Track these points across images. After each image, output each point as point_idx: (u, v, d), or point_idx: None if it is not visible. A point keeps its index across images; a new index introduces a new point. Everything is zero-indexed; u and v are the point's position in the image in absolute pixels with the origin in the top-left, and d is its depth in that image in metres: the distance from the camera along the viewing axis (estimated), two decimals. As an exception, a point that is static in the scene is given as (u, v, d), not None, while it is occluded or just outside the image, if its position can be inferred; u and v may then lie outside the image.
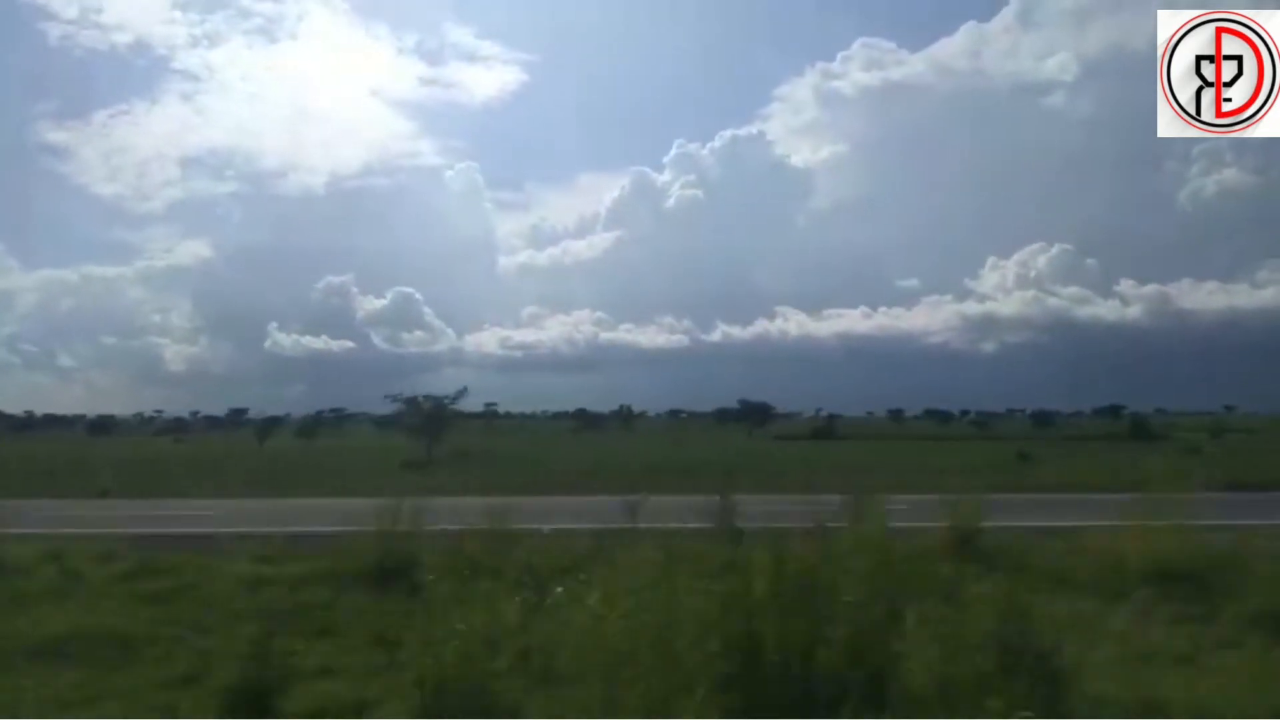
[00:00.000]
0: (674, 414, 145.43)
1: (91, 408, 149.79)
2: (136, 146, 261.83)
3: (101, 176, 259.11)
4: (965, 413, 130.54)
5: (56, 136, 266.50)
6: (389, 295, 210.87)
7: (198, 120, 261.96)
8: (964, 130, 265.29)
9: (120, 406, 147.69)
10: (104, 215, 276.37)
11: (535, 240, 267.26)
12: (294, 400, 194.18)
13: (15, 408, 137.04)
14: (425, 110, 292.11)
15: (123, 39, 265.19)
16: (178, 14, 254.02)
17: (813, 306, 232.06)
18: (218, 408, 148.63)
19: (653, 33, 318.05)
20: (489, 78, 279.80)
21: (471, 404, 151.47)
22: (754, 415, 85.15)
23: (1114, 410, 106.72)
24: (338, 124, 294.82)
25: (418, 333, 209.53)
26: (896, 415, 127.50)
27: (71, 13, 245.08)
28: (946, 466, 32.73)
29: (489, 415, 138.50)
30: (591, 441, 70.06)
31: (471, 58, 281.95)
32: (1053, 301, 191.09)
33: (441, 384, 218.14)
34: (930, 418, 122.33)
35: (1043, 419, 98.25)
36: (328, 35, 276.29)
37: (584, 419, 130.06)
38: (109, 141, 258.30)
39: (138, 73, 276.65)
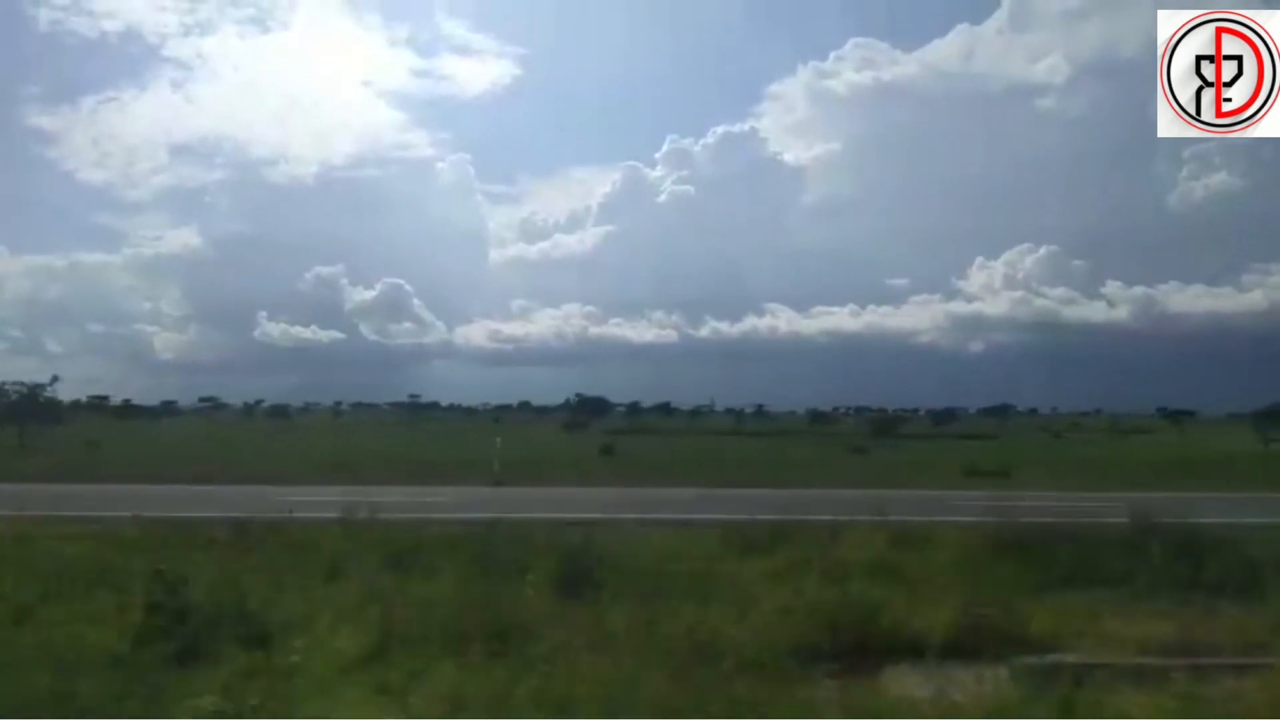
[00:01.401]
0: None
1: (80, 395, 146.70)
2: (125, 133, 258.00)
3: (90, 162, 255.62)
4: (909, 410, 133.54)
5: (45, 122, 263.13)
6: (378, 286, 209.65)
7: (187, 108, 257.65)
8: (955, 131, 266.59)
9: (109, 394, 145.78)
10: (92, 202, 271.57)
11: (526, 233, 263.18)
12: (285, 390, 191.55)
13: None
14: (417, 102, 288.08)
15: (113, 26, 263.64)
16: (169, 1, 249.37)
17: (802, 304, 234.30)
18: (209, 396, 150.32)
19: (646, 28, 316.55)
20: (481, 70, 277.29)
21: (396, 395, 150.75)
22: (590, 410, 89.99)
23: (1004, 409, 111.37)
24: (329, 114, 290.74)
25: (407, 324, 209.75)
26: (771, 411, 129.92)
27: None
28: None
29: (413, 406, 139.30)
30: (387, 432, 72.45)
31: (464, 50, 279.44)
32: (1040, 302, 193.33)
33: (431, 376, 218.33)
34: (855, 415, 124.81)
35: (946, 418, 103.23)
36: (319, 25, 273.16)
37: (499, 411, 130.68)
38: (98, 128, 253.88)
39: (128, 60, 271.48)
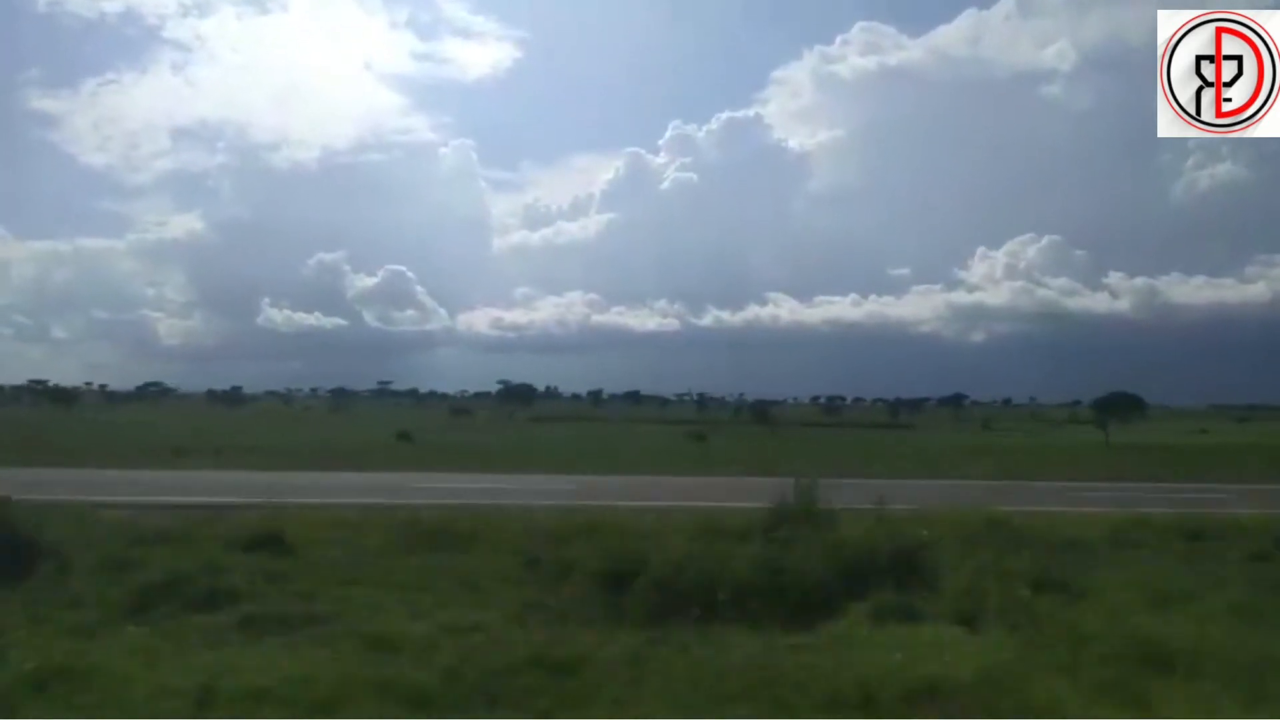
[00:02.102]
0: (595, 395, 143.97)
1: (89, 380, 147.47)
2: (126, 116, 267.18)
3: (92, 146, 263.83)
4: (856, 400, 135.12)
5: (46, 104, 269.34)
6: (381, 273, 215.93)
7: (188, 91, 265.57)
8: (960, 118, 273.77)
9: (117, 380, 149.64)
10: (95, 186, 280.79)
11: (529, 220, 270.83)
12: (289, 377, 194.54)
13: (8, 379, 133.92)
14: (419, 86, 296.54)
15: (112, 7, 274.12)
16: None
17: (804, 293, 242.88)
18: (216, 383, 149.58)
19: (650, 12, 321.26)
20: (483, 54, 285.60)
21: (398, 382, 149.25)
22: (516, 398, 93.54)
23: (958, 399, 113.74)
24: (329, 98, 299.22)
25: (409, 311, 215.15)
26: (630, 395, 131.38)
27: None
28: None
29: (381, 392, 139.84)
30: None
31: (465, 33, 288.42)
32: (1042, 292, 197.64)
33: (433, 363, 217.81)
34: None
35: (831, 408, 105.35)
36: (319, 7, 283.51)
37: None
38: (98, 111, 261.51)
39: (127, 42, 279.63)
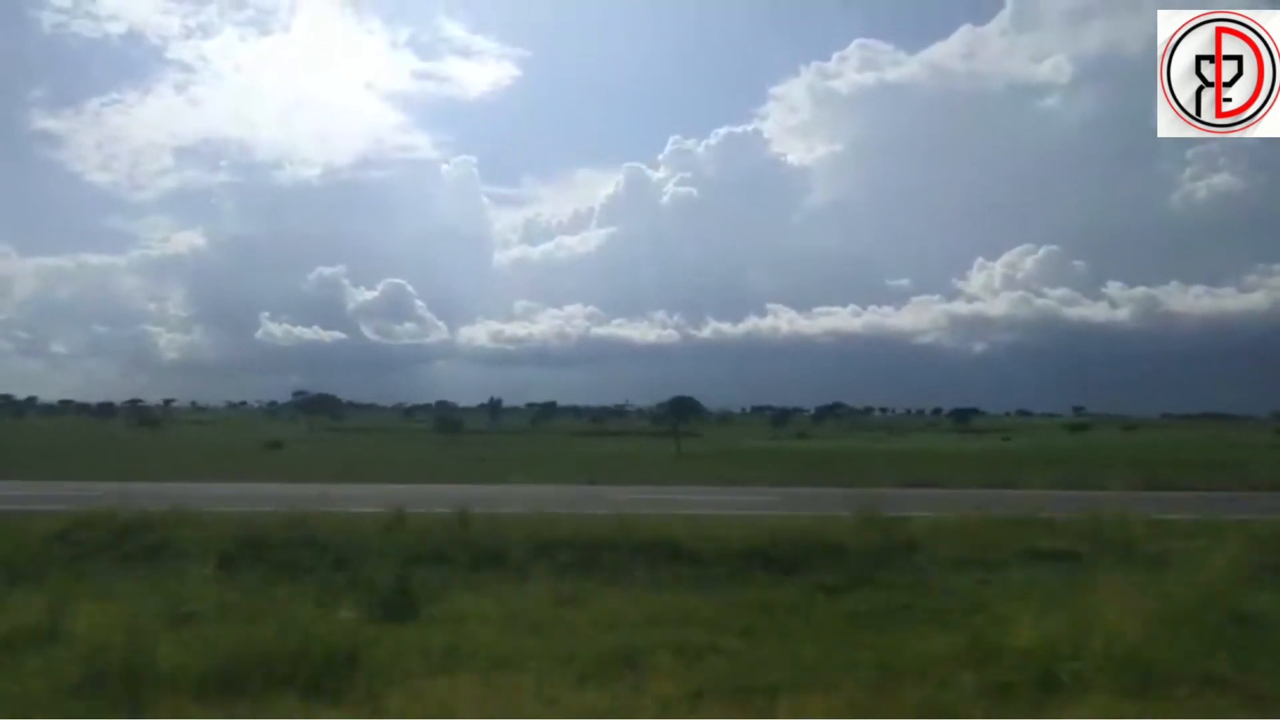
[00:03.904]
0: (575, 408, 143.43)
1: (87, 395, 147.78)
2: (130, 135, 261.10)
3: (95, 165, 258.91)
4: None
5: (50, 124, 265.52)
6: (380, 287, 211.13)
7: (191, 110, 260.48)
8: (957, 132, 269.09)
9: (116, 394, 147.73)
10: (99, 203, 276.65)
11: (529, 235, 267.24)
12: (287, 391, 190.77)
13: (7, 393, 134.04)
14: (420, 104, 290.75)
15: (116, 28, 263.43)
16: (171, 4, 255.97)
17: (803, 304, 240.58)
18: (212, 397, 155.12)
19: (649, 29, 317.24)
20: (483, 72, 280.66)
21: (397, 395, 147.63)
22: (321, 407, 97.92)
23: (834, 409, 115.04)
24: (332, 116, 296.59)
25: (409, 324, 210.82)
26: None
27: (65, 1, 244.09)
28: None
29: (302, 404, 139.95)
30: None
31: (465, 52, 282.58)
32: (1040, 302, 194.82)
33: (432, 376, 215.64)
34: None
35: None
36: (320, 28, 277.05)
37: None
38: (102, 130, 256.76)
39: (131, 62, 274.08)
